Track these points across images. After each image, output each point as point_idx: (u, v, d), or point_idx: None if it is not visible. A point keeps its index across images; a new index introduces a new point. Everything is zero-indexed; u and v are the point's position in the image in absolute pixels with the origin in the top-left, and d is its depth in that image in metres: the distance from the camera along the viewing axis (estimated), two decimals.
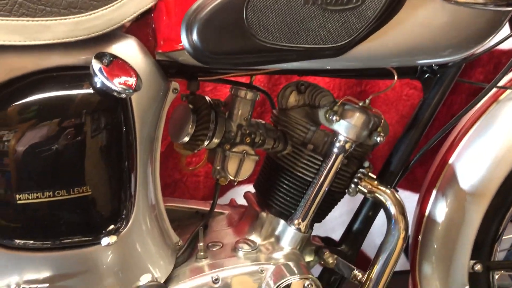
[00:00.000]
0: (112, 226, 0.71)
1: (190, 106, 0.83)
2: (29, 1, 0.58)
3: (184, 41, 0.65)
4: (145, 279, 0.72)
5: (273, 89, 1.28)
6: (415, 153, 0.96)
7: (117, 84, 0.63)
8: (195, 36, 0.64)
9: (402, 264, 1.56)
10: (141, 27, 0.74)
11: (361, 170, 0.91)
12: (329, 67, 0.77)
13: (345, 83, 1.39)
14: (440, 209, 1.03)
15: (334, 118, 0.84)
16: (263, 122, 0.90)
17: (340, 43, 0.66)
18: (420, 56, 0.77)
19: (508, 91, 1.00)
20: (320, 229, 1.51)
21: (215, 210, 1.00)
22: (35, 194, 0.61)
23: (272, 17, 0.64)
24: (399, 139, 0.96)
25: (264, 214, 0.92)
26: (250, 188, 1.02)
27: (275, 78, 1.31)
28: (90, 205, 0.66)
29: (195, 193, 1.45)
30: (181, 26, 0.65)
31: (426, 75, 0.91)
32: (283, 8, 0.64)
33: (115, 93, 0.63)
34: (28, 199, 0.61)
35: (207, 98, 0.84)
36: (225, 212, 1.02)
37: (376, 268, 0.91)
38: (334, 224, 1.50)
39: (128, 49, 0.70)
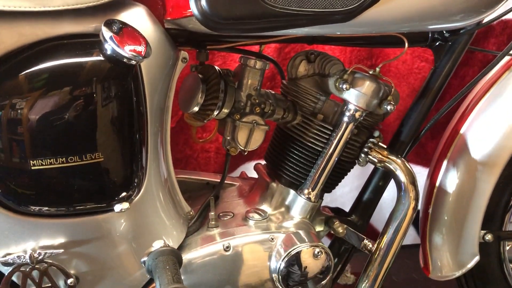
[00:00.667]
0: (124, 194, 0.72)
1: (200, 76, 0.83)
2: None
3: (193, 7, 0.65)
4: (157, 244, 0.73)
5: (283, 63, 1.27)
6: (426, 123, 0.95)
7: (127, 50, 0.63)
8: (203, 1, 0.64)
9: (413, 238, 1.57)
10: None
11: (371, 139, 0.91)
12: (338, 33, 0.76)
13: (356, 56, 1.38)
14: (450, 180, 1.02)
15: (344, 86, 0.84)
16: (273, 92, 0.90)
17: (350, 7, 0.66)
18: (430, 21, 0.76)
19: None
20: (331, 204, 1.52)
21: (226, 182, 1.01)
22: (48, 160, 0.62)
23: None
24: (410, 108, 0.95)
25: (274, 185, 0.92)
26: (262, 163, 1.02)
27: (284, 52, 1.31)
28: (103, 172, 0.67)
29: (206, 168, 1.46)
30: None
31: (438, 43, 0.90)
32: None
33: (125, 60, 0.64)
34: (42, 165, 0.62)
35: (217, 67, 0.84)
36: (236, 183, 1.03)
37: (386, 238, 0.91)
38: (345, 199, 1.51)
39: (137, 17, 0.70)
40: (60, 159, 0.63)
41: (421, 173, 1.50)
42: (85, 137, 0.64)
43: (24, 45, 0.60)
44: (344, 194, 1.55)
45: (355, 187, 1.52)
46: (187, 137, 1.35)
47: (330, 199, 1.51)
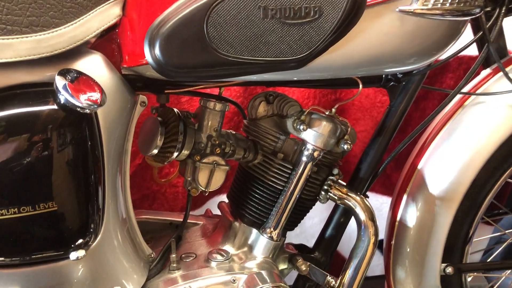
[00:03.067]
0: (80, 240, 0.71)
1: (159, 118, 0.84)
2: None
3: (148, 56, 0.66)
4: None
5: (249, 99, 1.29)
6: (383, 160, 0.98)
7: (81, 100, 0.64)
8: (157, 51, 0.66)
9: (381, 269, 1.59)
10: (106, 42, 0.75)
11: (330, 177, 0.93)
12: (294, 78, 0.79)
13: (320, 91, 1.42)
14: (411, 214, 1.05)
15: (302, 127, 0.86)
16: (233, 132, 0.92)
17: (300, 56, 0.68)
18: (382, 65, 0.79)
19: (473, 96, 1.03)
20: (300, 236, 1.52)
21: (190, 221, 1.01)
22: None
23: (232, 31, 0.65)
24: (367, 146, 0.98)
25: (237, 224, 0.93)
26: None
27: (251, 88, 1.33)
28: (57, 220, 0.66)
29: (174, 203, 1.45)
30: (144, 41, 0.66)
31: (391, 83, 0.93)
32: (242, 22, 0.65)
33: (79, 109, 0.64)
34: None
35: (176, 110, 0.85)
36: (200, 222, 1.03)
37: (348, 274, 0.92)
38: (314, 230, 1.52)
39: (93, 65, 0.71)
40: (12, 209, 0.62)
41: (386, 203, 1.53)
42: (38, 186, 0.63)
43: None
44: (314, 225, 1.56)
45: (324, 218, 1.53)
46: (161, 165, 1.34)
47: (300, 231, 1.52)
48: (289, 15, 0.66)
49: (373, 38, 0.73)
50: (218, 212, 1.04)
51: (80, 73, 0.67)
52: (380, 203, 1.57)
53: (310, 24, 0.66)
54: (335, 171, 0.94)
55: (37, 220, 0.64)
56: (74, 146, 0.66)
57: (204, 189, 0.88)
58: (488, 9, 0.88)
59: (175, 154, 0.84)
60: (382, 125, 0.97)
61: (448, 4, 0.72)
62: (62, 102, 0.64)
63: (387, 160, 0.98)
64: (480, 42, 0.97)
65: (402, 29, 0.75)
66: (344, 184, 0.94)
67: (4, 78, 0.63)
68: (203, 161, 0.86)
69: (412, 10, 0.71)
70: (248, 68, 0.68)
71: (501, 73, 0.97)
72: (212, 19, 0.65)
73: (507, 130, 0.98)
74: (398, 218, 1.07)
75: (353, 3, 0.66)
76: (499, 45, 1.02)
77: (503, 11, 0.87)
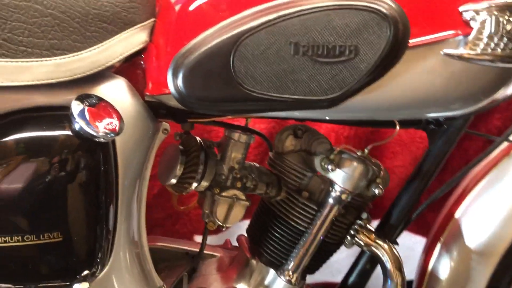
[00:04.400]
0: (86, 272, 0.68)
1: (180, 147, 0.81)
2: (10, 41, 0.57)
3: (170, 86, 0.63)
4: None
5: (278, 128, 1.25)
6: (417, 206, 0.91)
7: (97, 128, 0.61)
8: (180, 82, 0.62)
9: None
10: (131, 67, 0.72)
11: (358, 221, 0.87)
12: (325, 117, 0.74)
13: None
14: (444, 265, 0.97)
15: (330, 167, 0.81)
16: (257, 165, 0.87)
17: (331, 96, 0.63)
18: (423, 109, 0.73)
19: None
20: (325, 271, 1.45)
21: (207, 252, 0.97)
22: (2, 238, 0.59)
23: (259, 66, 0.61)
24: (401, 190, 0.92)
25: (254, 262, 0.88)
26: None
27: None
28: (62, 251, 0.63)
29: (198, 225, 1.42)
30: (168, 70, 0.63)
31: (431, 126, 0.86)
32: (271, 58, 0.61)
33: (95, 138, 0.61)
34: None
35: (199, 139, 0.82)
36: (217, 255, 0.98)
37: None
38: (340, 265, 1.45)
39: (115, 90, 0.69)
40: (16, 237, 0.60)
41: (420, 243, 1.44)
42: (43, 215, 0.61)
43: None
44: (340, 260, 1.48)
45: (351, 253, 1.46)
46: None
47: (325, 265, 1.46)
48: (322, 53, 0.61)
49: (413, 80, 0.67)
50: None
51: (99, 99, 0.64)
52: (413, 242, 1.46)
53: (344, 64, 0.62)
54: (364, 215, 0.88)
55: (42, 249, 0.62)
56: (86, 174, 0.64)
57: (221, 224, 0.83)
58: None
59: (194, 185, 0.80)
60: (419, 169, 0.90)
61: (499, 50, 0.65)
62: (77, 129, 0.61)
63: (421, 207, 0.91)
64: None
65: (447, 72, 0.68)
66: (373, 229, 0.88)
67: (21, 100, 0.61)
68: (223, 194, 0.81)
69: (458, 55, 0.65)
70: (274, 105, 0.64)
71: None
72: (240, 53, 0.61)
73: None
74: (430, 267, 0.99)
75: (392, 44, 0.61)
76: None
77: None
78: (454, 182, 0.89)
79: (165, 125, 0.77)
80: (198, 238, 1.45)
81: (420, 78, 0.68)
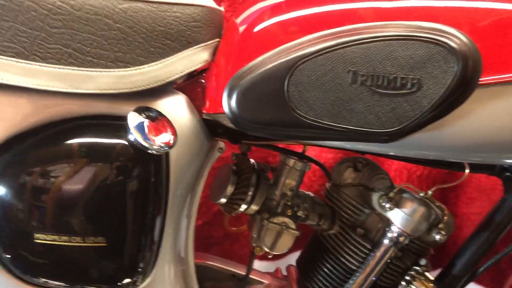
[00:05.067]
0: (128, 280, 0.69)
1: (233, 167, 0.80)
2: (79, 51, 0.61)
3: (225, 106, 0.63)
4: None
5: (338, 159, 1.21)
6: (486, 259, 0.82)
7: (150, 141, 0.62)
8: (233, 102, 0.62)
9: None
10: (192, 85, 0.74)
11: (416, 267, 0.81)
12: (382, 152, 0.69)
13: None
14: None
15: (388, 206, 0.76)
16: (312, 195, 0.84)
17: (389, 130, 0.59)
18: (494, 154, 0.66)
19: None
20: None
21: (255, 277, 0.95)
22: (51, 235, 0.62)
23: (314, 93, 0.59)
24: (468, 240, 0.83)
25: None
26: None
27: None
28: (104, 256, 0.65)
29: None
30: (224, 90, 0.64)
31: (507, 173, 0.78)
32: (327, 85, 0.59)
33: (148, 150, 0.63)
34: (45, 239, 0.62)
35: (252, 161, 0.81)
36: (265, 282, 0.96)
37: None
38: None
39: (174, 105, 0.70)
40: (64, 237, 0.62)
41: None
42: (90, 219, 0.63)
43: (53, 121, 0.62)
44: None
45: None
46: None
47: None
48: (382, 84, 0.58)
49: (485, 121, 0.61)
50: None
51: (155, 112, 0.66)
52: None
53: (405, 97, 0.58)
54: (423, 261, 0.81)
55: (85, 252, 0.63)
56: (137, 184, 0.65)
57: (268, 251, 0.81)
58: None
59: (243, 206, 0.79)
60: (490, 218, 0.82)
61: None
62: (132, 140, 0.63)
63: (492, 260, 0.82)
64: None
65: None
66: (432, 278, 0.81)
67: (84, 107, 0.64)
68: (272, 220, 0.80)
69: None
70: (327, 133, 0.61)
71: None
72: (295, 77, 0.60)
73: None
74: None
75: (460, 81, 0.56)
76: None
77: None
78: None
79: (221, 144, 0.77)
80: (257, 263, 1.43)
81: (492, 119, 0.62)
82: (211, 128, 0.75)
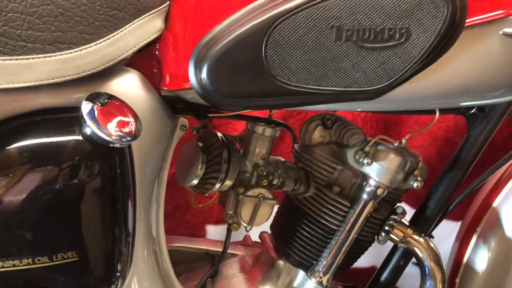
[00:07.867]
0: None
1: (200, 144, 0.73)
2: (7, 36, 0.49)
3: (192, 80, 0.55)
4: None
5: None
6: (455, 197, 0.84)
7: (111, 132, 0.53)
8: (204, 75, 0.54)
9: None
10: (145, 59, 0.64)
11: (393, 216, 0.80)
12: (360, 109, 0.66)
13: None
14: (481, 257, 0.91)
15: (366, 161, 0.73)
16: (283, 159, 0.80)
17: (377, 86, 0.55)
18: (465, 97, 0.65)
19: None
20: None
21: (228, 251, 0.90)
22: (11, 261, 0.52)
23: (296, 55, 0.53)
24: (437, 181, 0.84)
25: (281, 263, 0.82)
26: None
27: None
28: (78, 271, 0.56)
29: (208, 215, 1.38)
30: (189, 62, 0.55)
31: (472, 111, 0.79)
32: (310, 45, 0.53)
33: (109, 143, 0.54)
34: (3, 267, 0.52)
35: (219, 134, 0.74)
36: (238, 253, 0.92)
37: None
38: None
39: (128, 86, 0.61)
40: (26, 260, 0.52)
41: (456, 229, 1.37)
42: (55, 234, 0.53)
43: None
44: None
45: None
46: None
47: None
48: (368, 38, 0.53)
49: (466, 65, 0.60)
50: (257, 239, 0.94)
51: (111, 97, 0.56)
52: (450, 230, 1.38)
53: (393, 49, 0.54)
54: (399, 209, 0.81)
55: (54, 271, 0.54)
56: (100, 184, 0.56)
57: (246, 225, 0.77)
58: None
59: (217, 185, 0.73)
60: (456, 158, 0.83)
61: None
62: (88, 133, 0.53)
63: (458, 198, 0.84)
64: None
65: (498, 56, 0.60)
66: (408, 224, 0.81)
67: (23, 103, 0.53)
68: (248, 194, 0.74)
69: None
70: (311, 98, 0.56)
71: None
72: (273, 40, 0.53)
73: None
74: (464, 262, 0.93)
75: (449, 25, 0.52)
76: None
77: None
78: (496, 169, 0.82)
79: (183, 121, 0.69)
80: (210, 228, 1.39)
81: (473, 61, 0.60)
82: (171, 104, 0.67)
